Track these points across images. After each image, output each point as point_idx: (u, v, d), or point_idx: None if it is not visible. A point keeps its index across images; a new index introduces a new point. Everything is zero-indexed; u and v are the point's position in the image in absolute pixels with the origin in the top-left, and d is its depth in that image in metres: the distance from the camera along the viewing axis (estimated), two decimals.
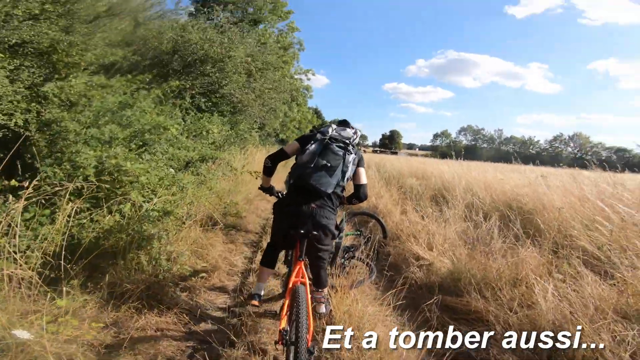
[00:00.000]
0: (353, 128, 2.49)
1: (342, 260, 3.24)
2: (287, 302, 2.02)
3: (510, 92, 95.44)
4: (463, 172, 7.64)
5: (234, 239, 4.51)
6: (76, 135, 3.19)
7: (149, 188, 3.21)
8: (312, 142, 2.30)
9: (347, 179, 2.29)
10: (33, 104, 3.19)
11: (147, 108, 4.36)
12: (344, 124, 2.54)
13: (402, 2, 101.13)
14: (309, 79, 24.02)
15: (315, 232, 2.16)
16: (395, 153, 58.25)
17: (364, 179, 2.37)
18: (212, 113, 8.88)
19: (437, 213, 4.82)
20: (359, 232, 4.13)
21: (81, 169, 2.81)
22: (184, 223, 3.45)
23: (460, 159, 9.85)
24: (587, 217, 3.48)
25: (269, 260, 2.45)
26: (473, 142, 76.56)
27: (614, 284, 2.43)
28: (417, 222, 4.71)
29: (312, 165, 2.20)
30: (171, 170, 3.70)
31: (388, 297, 2.62)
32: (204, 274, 3.22)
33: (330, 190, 2.18)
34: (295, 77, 21.67)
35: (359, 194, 2.37)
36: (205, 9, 14.74)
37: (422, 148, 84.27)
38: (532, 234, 3.42)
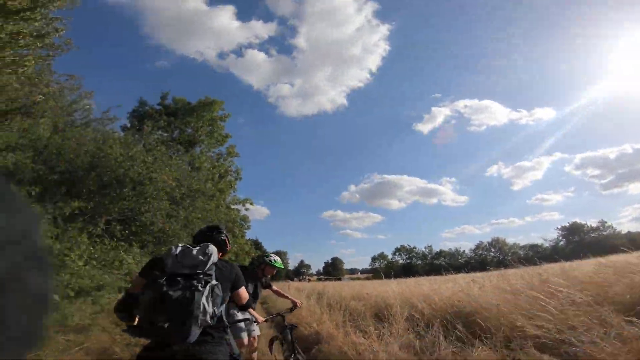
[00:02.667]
0: (213, 241, 2.00)
1: None
2: None
3: (430, 209, 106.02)
4: (401, 289, 7.94)
5: None
6: None
7: None
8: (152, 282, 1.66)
9: (222, 303, 1.79)
10: None
11: None
12: (202, 235, 2.10)
13: (324, 131, 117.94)
14: (247, 209, 23.04)
15: None
16: (340, 279, 57.68)
17: (244, 298, 2.12)
18: (130, 243, 7.90)
19: (379, 331, 4.56)
20: None
21: None
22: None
23: (401, 277, 10.32)
24: (524, 308, 3.37)
25: None
26: (408, 261, 79.39)
27: None
28: (361, 343, 4.32)
29: (152, 328, 1.55)
30: (55, 296, 3.58)
31: None
32: None
33: (195, 339, 1.59)
34: (232, 207, 21.13)
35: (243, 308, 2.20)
36: (139, 124, 13.53)
37: (363, 271, 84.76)
38: (478, 334, 3.15)
